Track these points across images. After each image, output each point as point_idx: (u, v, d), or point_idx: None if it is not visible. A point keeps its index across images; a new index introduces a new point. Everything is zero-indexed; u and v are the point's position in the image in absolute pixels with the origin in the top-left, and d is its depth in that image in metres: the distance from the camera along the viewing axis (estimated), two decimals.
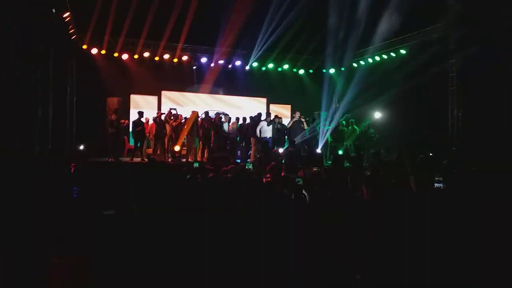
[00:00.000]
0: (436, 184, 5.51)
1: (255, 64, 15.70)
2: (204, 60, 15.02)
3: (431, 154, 11.18)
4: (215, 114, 12.58)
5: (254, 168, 9.48)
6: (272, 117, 12.72)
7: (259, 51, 14.78)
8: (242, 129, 12.56)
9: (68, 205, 4.71)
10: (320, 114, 14.20)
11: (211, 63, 15.15)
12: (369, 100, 14.27)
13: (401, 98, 13.27)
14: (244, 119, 12.80)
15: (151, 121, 12.46)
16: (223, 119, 12.77)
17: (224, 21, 13.20)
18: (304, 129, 12.72)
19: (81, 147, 11.87)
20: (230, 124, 12.90)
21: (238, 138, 12.78)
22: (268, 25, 13.60)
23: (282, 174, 7.85)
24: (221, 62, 15.24)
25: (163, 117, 12.07)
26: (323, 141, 12.97)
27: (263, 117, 12.51)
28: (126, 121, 12.41)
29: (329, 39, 14.47)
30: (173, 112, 12.21)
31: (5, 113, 9.97)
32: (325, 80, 16.56)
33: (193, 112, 12.22)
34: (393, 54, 14.16)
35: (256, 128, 12.17)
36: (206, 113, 12.29)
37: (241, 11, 12.68)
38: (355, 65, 15.96)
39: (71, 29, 12.80)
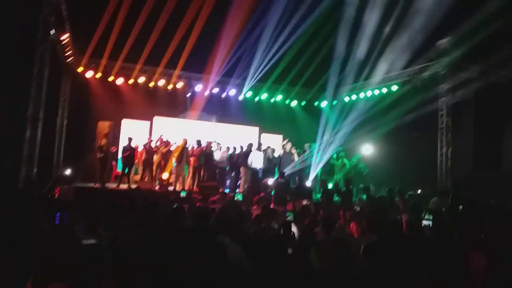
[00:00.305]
0: (424, 222, 5.47)
1: (249, 94, 15.83)
2: (198, 87, 15.09)
3: (419, 191, 11.23)
4: (207, 143, 12.52)
5: (243, 199, 9.38)
6: (265, 147, 12.74)
7: (253, 81, 14.94)
8: (232, 159, 12.51)
9: (48, 232, 4.53)
10: (310, 145, 14.25)
11: (205, 91, 15.23)
12: (360, 134, 14.40)
13: (391, 133, 13.41)
14: (235, 148, 12.77)
15: (141, 147, 12.33)
16: (214, 148, 12.72)
17: (220, 50, 13.39)
18: (295, 161, 12.72)
19: (68, 172, 11.61)
20: (221, 152, 12.85)
21: (228, 167, 12.71)
22: (263, 56, 13.82)
23: (271, 206, 7.75)
24: (215, 90, 15.35)
25: (153, 144, 11.98)
26: (314, 174, 12.95)
27: (254, 147, 12.49)
28: (115, 148, 12.28)
29: (322, 73, 14.76)
30: (164, 138, 12.14)
31: None
32: (317, 113, 16.75)
33: (183, 139, 12.16)
34: (384, 90, 14.39)
35: (246, 158, 12.12)
36: (198, 141, 12.25)
37: (237, 41, 12.93)
38: (347, 99, 16.17)
39: (68, 51, 12.86)
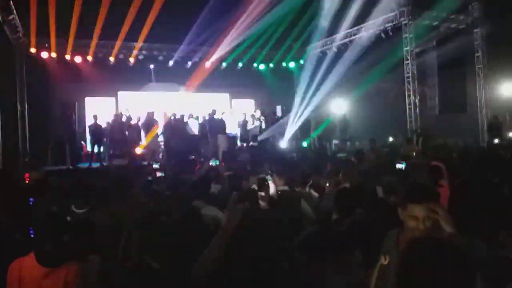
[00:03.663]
0: (398, 165, 5.68)
1: (215, 61, 15.41)
2: (161, 58, 14.61)
3: (391, 139, 11.55)
4: (172, 114, 12.28)
5: (219, 165, 9.36)
6: (240, 114, 12.84)
7: (220, 47, 14.54)
8: (204, 127, 12.41)
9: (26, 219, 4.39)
10: (282, 107, 14.37)
11: (169, 60, 14.78)
12: (330, 91, 14.48)
13: (360, 88, 13.57)
14: (204, 117, 12.65)
15: (105, 124, 11.96)
16: (184, 120, 12.52)
17: (182, 17, 12.91)
18: (263, 125, 12.88)
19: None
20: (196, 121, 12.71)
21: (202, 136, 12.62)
22: (227, 20, 13.43)
23: (248, 168, 7.80)
24: (179, 60, 14.89)
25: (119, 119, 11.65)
26: (290, 135, 13.08)
27: (220, 113, 12.41)
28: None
29: (287, 32, 14.55)
30: (125, 113, 11.76)
31: None
32: (286, 74, 16.64)
33: (149, 112, 11.88)
34: (349, 45, 14.35)
35: (218, 125, 12.05)
36: (164, 113, 12.04)
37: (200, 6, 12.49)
38: (314, 57, 16.08)
39: (17, 32, 12.12)
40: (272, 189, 4.54)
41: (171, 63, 14.82)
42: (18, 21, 11.57)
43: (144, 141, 11.85)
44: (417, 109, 12.42)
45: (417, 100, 12.47)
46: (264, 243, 2.09)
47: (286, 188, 4.86)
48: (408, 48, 12.48)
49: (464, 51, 13.67)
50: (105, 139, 11.82)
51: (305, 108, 13.98)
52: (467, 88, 14.53)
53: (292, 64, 16.83)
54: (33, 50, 12.96)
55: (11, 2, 10.56)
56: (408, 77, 12.56)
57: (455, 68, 14.47)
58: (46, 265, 2.47)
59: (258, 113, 13.43)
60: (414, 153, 8.07)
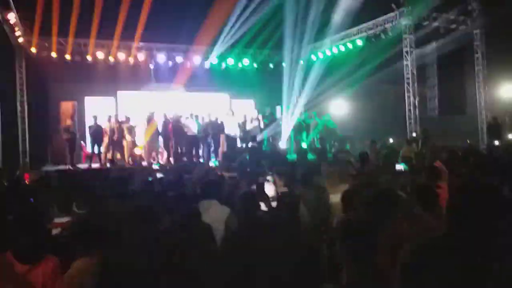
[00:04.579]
0: (397, 166, 5.70)
1: (215, 61, 15.43)
2: (161, 58, 14.60)
3: (391, 141, 11.55)
4: (173, 115, 12.26)
5: (219, 165, 9.39)
6: (240, 116, 12.83)
7: (222, 46, 14.54)
8: (204, 128, 12.41)
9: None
10: (276, 107, 14.48)
11: (169, 61, 14.77)
12: (329, 92, 14.48)
13: (359, 89, 13.58)
14: (203, 118, 12.65)
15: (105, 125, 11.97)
16: (183, 121, 12.51)
17: (182, 17, 12.92)
18: (262, 127, 12.89)
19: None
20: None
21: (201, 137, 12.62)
22: (228, 21, 13.44)
23: (248, 169, 7.80)
24: (179, 60, 14.88)
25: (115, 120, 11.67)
26: (286, 135, 13.08)
27: (222, 114, 12.43)
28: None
29: (286, 32, 14.53)
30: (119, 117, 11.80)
31: None
32: (285, 74, 16.62)
33: (150, 113, 11.88)
34: (349, 45, 14.34)
35: (219, 126, 12.08)
36: (164, 114, 12.03)
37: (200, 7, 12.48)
38: (313, 57, 16.07)
39: (17, 31, 12.11)
40: (272, 190, 4.55)
41: (170, 63, 14.81)
42: (18, 20, 11.55)
43: (142, 141, 11.86)
44: (417, 111, 12.43)
45: (416, 102, 12.47)
46: None
47: (286, 189, 4.86)
48: (407, 49, 12.48)
49: (464, 53, 13.70)
50: (105, 140, 11.84)
51: (300, 108, 14.01)
52: (467, 90, 14.57)
53: (286, 64, 16.75)
54: (33, 50, 12.95)
55: (11, 1, 10.55)
56: (408, 78, 12.56)
57: (455, 70, 14.50)
58: (23, 261, 2.50)
59: (255, 113, 13.42)
60: (413, 155, 8.09)
